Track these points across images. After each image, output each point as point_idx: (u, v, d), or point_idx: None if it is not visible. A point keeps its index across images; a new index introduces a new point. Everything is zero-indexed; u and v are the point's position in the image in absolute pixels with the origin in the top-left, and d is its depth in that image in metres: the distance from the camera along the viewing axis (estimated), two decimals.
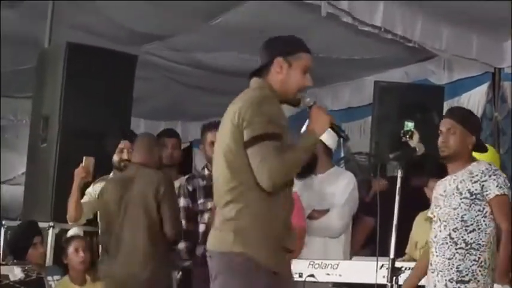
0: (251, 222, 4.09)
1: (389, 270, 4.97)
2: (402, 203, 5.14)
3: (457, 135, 5.18)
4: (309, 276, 5.81)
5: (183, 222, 6.57)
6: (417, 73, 8.93)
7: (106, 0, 7.37)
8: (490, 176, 5.35)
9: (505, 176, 5.48)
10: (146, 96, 9.73)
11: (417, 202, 6.24)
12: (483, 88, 8.59)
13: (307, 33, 7.91)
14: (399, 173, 5.06)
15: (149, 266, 6.32)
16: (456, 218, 5.14)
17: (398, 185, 5.02)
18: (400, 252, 5.96)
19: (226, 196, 4.15)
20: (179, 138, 8.19)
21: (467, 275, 5.18)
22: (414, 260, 5.89)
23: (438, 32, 7.83)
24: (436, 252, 5.09)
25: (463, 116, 5.40)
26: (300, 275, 5.83)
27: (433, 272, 5.08)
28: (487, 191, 5.33)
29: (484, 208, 5.17)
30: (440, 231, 5.12)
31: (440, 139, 5.21)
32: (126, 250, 6.33)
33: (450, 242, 5.06)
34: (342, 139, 4.67)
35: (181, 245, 6.63)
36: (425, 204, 6.05)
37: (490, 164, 5.46)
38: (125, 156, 7.00)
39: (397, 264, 5.04)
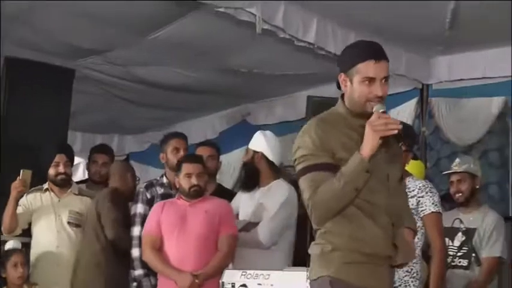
0: None
1: None
2: None
3: None
4: (241, 286, 5.82)
5: (139, 228, 6.58)
6: None
7: (43, 14, 7.27)
8: (426, 192, 5.44)
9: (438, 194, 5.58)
10: (84, 109, 9.65)
11: None
12: (411, 103, 8.67)
13: (242, 48, 7.98)
14: None
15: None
16: None
17: None
18: None
19: None
20: (110, 155, 8.17)
21: (400, 285, 5.26)
22: None
23: None
24: None
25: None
26: (233, 285, 5.84)
27: None
28: (422, 207, 5.42)
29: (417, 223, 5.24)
30: None
31: None
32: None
33: None
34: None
35: (136, 253, 6.62)
36: None
37: (425, 181, 5.56)
38: (60, 169, 6.98)
39: None
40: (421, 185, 5.49)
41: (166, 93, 9.48)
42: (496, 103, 8.05)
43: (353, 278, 3.91)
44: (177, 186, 6.40)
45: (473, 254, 6.02)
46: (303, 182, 3.91)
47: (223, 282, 6.01)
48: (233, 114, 10.41)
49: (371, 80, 3.91)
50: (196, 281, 6.03)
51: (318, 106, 7.78)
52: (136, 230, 6.63)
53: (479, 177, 6.32)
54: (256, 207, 6.52)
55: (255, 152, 6.59)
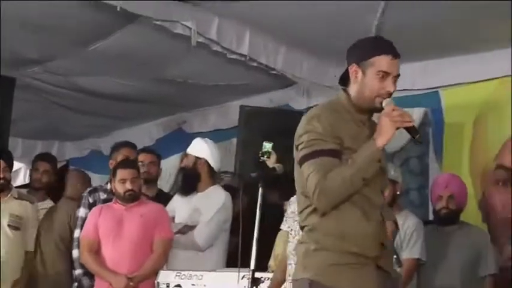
0: None
1: (250, 280, 5.00)
2: (265, 219, 5.17)
3: None
4: (175, 286, 5.82)
5: (78, 230, 6.56)
6: (280, 99, 9.02)
7: None
8: None
9: None
10: (25, 116, 9.57)
11: (280, 218, 6.30)
12: None
13: (178, 60, 7.98)
14: (260, 191, 5.09)
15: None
16: None
17: (259, 202, 5.05)
18: (263, 265, 6.02)
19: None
20: (53, 163, 8.13)
21: None
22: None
23: (298, 61, 7.95)
24: (295, 263, 5.16)
25: None
26: (168, 285, 5.84)
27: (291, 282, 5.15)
28: None
29: None
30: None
31: None
32: None
33: None
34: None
35: (75, 254, 6.60)
36: None
37: None
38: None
39: (257, 275, 5.07)
40: None
41: (105, 101, 9.44)
42: (417, 114, 8.11)
43: (337, 281, 3.71)
44: (113, 192, 6.39)
45: (395, 256, 6.07)
46: (310, 166, 3.70)
47: (158, 283, 6.01)
48: (169, 123, 10.39)
49: (385, 74, 3.81)
50: (131, 283, 6.03)
51: (249, 115, 7.83)
52: (76, 232, 6.64)
53: (400, 183, 6.38)
54: (193, 211, 6.54)
55: (197, 157, 6.60)
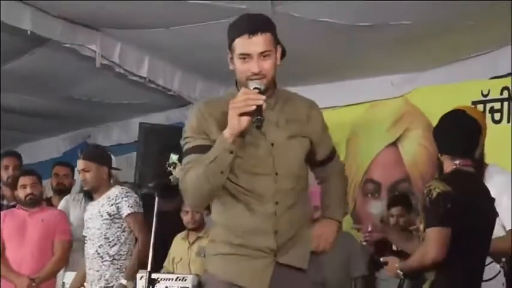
0: None
1: (147, 280, 4.96)
2: (164, 225, 5.13)
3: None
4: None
5: None
6: (176, 117, 8.99)
7: None
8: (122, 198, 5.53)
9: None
10: None
11: (178, 223, 6.28)
12: None
13: (84, 80, 7.88)
14: (156, 199, 5.06)
15: None
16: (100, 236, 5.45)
17: (155, 209, 5.02)
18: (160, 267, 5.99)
19: None
20: None
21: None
22: (171, 273, 5.93)
23: (192, 84, 7.96)
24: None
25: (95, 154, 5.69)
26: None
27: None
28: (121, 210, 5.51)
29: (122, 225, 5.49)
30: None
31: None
32: None
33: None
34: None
35: None
36: (182, 226, 6.12)
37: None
38: None
39: (153, 276, 5.03)
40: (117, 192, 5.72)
41: (16, 116, 9.26)
42: None
43: (220, 271, 3.38)
44: (17, 199, 6.26)
45: None
46: (183, 165, 3.31)
47: (63, 283, 5.92)
48: (75, 137, 10.26)
49: (247, 56, 3.23)
50: (33, 284, 5.91)
51: (148, 131, 7.78)
52: None
53: None
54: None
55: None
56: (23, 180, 6.20)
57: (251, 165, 3.29)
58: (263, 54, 3.23)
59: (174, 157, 6.40)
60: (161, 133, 7.79)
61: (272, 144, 3.31)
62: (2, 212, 6.30)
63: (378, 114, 7.67)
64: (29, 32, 6.23)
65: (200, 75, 7.86)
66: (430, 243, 3.74)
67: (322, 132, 3.52)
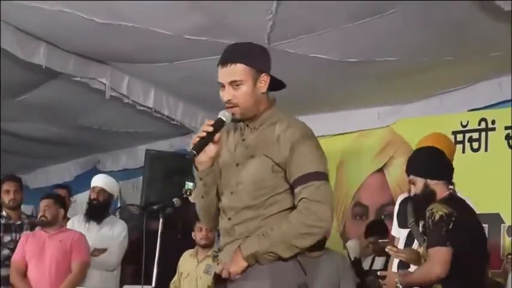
0: None
1: None
2: (171, 243, 5.07)
3: None
4: None
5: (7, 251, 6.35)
6: (179, 144, 8.98)
7: None
8: None
9: None
10: None
11: (178, 242, 6.24)
12: None
13: (94, 110, 7.87)
14: (160, 221, 5.00)
15: None
16: None
17: (160, 229, 4.96)
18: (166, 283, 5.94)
19: None
20: None
21: None
22: None
23: (195, 114, 7.95)
24: None
25: None
26: None
27: None
28: None
29: None
30: None
31: None
32: None
33: None
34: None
35: (3, 272, 6.34)
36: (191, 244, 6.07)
37: None
38: None
39: None
40: None
41: (31, 144, 9.27)
42: None
43: None
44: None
45: None
46: None
47: None
48: (86, 162, 10.25)
49: (222, 85, 3.12)
50: None
51: (153, 157, 7.79)
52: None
53: None
54: (99, 237, 6.40)
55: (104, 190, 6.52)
56: (40, 203, 6.19)
57: (222, 186, 3.22)
58: (235, 84, 3.09)
59: (190, 184, 6.39)
60: (165, 159, 7.79)
61: (237, 165, 3.18)
62: (25, 234, 6.25)
63: (366, 143, 7.67)
64: (43, 67, 6.24)
65: (201, 106, 7.85)
66: (434, 262, 3.83)
67: (292, 152, 3.10)
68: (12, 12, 5.74)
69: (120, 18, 5.68)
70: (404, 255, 4.25)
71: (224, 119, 3.11)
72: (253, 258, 3.06)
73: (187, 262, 6.12)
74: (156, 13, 5.59)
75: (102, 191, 6.59)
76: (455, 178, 4.31)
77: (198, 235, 6.05)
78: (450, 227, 3.82)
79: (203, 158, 3.10)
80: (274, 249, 3.06)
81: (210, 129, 3.04)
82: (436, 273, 3.82)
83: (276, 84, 3.22)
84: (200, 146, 3.05)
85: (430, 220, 3.86)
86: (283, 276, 3.13)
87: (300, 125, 3.21)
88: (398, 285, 4.03)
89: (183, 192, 6.40)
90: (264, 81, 3.15)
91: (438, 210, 3.87)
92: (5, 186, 6.56)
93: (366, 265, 6.72)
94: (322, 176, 3.09)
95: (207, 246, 6.00)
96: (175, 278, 6.13)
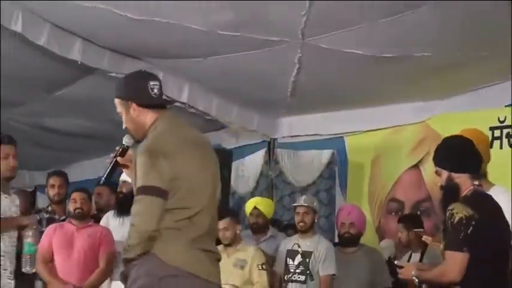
0: None
1: None
2: None
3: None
4: None
5: None
6: (213, 139, 8.97)
7: None
8: None
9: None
10: None
11: None
12: (261, 152, 8.77)
13: None
14: None
15: None
16: None
17: None
18: None
19: None
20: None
21: None
22: None
23: (229, 109, 8.01)
24: None
25: None
26: None
27: None
28: None
29: None
30: None
31: None
32: None
33: None
34: None
35: None
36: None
37: None
38: None
39: None
40: None
41: (67, 138, 9.40)
42: (325, 155, 8.23)
43: None
44: (68, 212, 6.31)
45: (308, 271, 6.06)
46: None
47: None
48: None
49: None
50: None
51: None
52: None
53: (318, 213, 6.40)
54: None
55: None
56: (73, 195, 6.26)
57: None
58: (120, 114, 3.61)
59: None
60: None
61: None
62: (52, 226, 6.33)
63: (401, 139, 7.68)
64: (79, 62, 6.34)
65: (235, 100, 7.90)
66: (449, 266, 3.77)
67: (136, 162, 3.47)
68: (49, 9, 5.85)
69: (154, 14, 5.75)
70: (440, 245, 4.23)
71: (125, 143, 3.63)
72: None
73: None
74: (190, 8, 5.63)
75: (125, 182, 6.62)
76: (492, 174, 4.27)
77: (220, 235, 6.11)
78: (469, 231, 3.69)
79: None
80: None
81: (112, 155, 3.59)
82: (450, 278, 3.76)
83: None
84: (108, 172, 3.64)
85: (449, 221, 3.74)
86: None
87: (150, 140, 3.50)
88: (414, 278, 4.00)
89: None
90: (134, 109, 3.54)
91: (458, 212, 3.73)
92: (50, 181, 6.69)
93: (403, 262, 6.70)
94: (142, 190, 3.34)
95: (229, 245, 6.04)
96: None
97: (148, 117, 3.53)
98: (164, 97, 7.10)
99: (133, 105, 3.53)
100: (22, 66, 6.80)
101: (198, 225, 3.39)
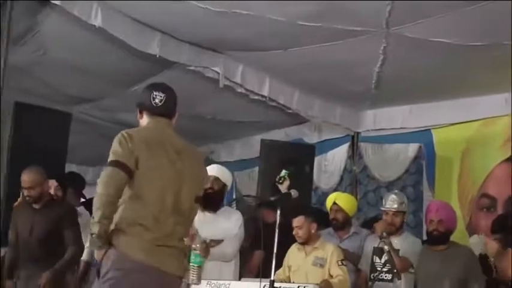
0: None
1: None
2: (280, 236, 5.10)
3: None
4: None
5: None
6: (294, 134, 9.05)
7: (46, 68, 7.29)
8: None
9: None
10: (79, 146, 9.63)
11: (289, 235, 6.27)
12: (344, 147, 8.73)
13: (207, 99, 8.03)
14: (278, 212, 5.05)
15: None
16: None
17: (277, 221, 5.01)
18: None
19: None
20: None
21: None
22: (286, 281, 5.93)
23: (311, 102, 7.98)
24: None
25: None
26: None
27: None
28: None
29: None
30: None
31: None
32: None
33: None
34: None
35: None
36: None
37: None
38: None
39: (276, 284, 5.03)
40: None
41: None
42: (412, 148, 8.14)
43: None
44: None
45: (395, 270, 6.00)
46: None
47: None
48: None
49: None
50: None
51: (269, 147, 7.84)
52: None
53: (407, 212, 6.34)
54: (215, 228, 6.49)
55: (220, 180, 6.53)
56: None
57: None
58: None
59: (283, 172, 6.42)
60: (281, 149, 7.83)
61: None
62: None
63: (492, 131, 7.51)
64: (157, 56, 6.41)
65: (318, 94, 7.87)
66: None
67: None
68: (128, 3, 5.94)
69: (234, 6, 5.77)
70: None
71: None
72: None
73: (296, 255, 6.16)
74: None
75: (216, 179, 6.66)
76: None
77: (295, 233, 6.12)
78: None
79: None
80: None
81: None
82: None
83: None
84: None
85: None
86: None
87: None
88: (491, 258, 3.93)
89: (277, 180, 6.41)
90: (140, 114, 4.17)
91: None
92: None
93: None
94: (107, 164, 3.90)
95: (305, 243, 6.04)
96: (280, 270, 6.17)
97: (145, 122, 4.15)
98: (243, 90, 7.20)
99: (139, 110, 4.17)
100: (98, 61, 6.94)
101: (162, 224, 3.82)
